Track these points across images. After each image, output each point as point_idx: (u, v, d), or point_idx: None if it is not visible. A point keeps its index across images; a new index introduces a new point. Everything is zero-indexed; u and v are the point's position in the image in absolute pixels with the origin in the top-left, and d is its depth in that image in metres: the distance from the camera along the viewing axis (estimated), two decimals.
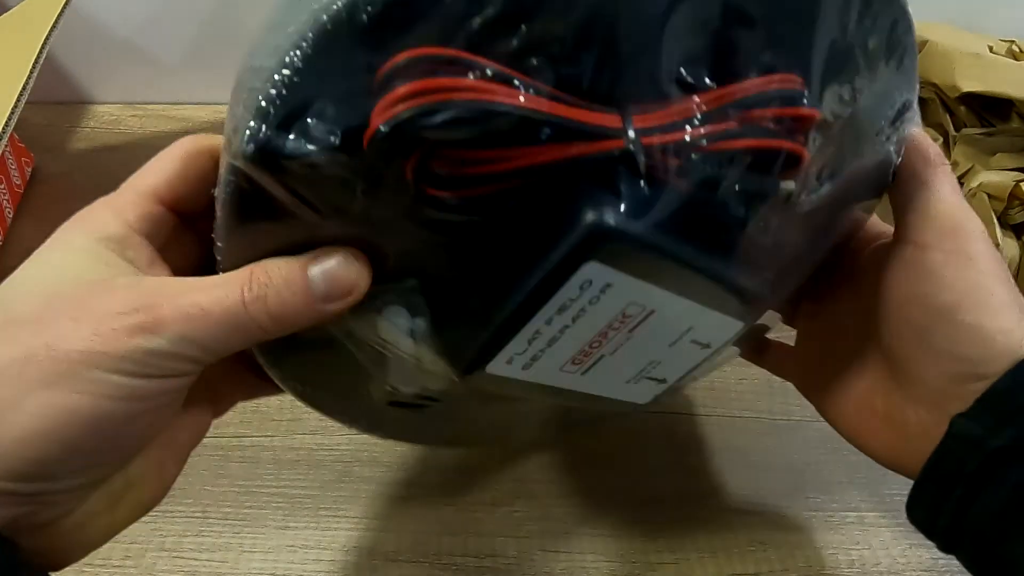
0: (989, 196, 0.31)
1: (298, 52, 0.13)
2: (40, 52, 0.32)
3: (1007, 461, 0.16)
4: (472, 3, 0.12)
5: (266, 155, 0.13)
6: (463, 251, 0.15)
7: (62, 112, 0.47)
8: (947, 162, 0.20)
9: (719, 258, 0.16)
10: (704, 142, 0.14)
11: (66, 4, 0.33)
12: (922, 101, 0.38)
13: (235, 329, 0.15)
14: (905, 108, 0.19)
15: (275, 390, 0.21)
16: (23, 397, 0.14)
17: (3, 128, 0.29)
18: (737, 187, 0.15)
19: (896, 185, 0.20)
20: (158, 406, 0.15)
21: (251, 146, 0.13)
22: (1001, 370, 0.17)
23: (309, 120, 0.13)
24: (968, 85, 0.32)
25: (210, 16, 0.44)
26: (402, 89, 0.12)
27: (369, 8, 0.12)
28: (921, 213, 0.19)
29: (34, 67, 0.32)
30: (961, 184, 0.34)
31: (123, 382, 0.14)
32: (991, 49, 0.35)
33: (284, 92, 0.13)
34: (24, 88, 0.31)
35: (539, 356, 0.17)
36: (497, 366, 0.17)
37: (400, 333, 0.17)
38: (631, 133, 0.13)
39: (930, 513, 0.18)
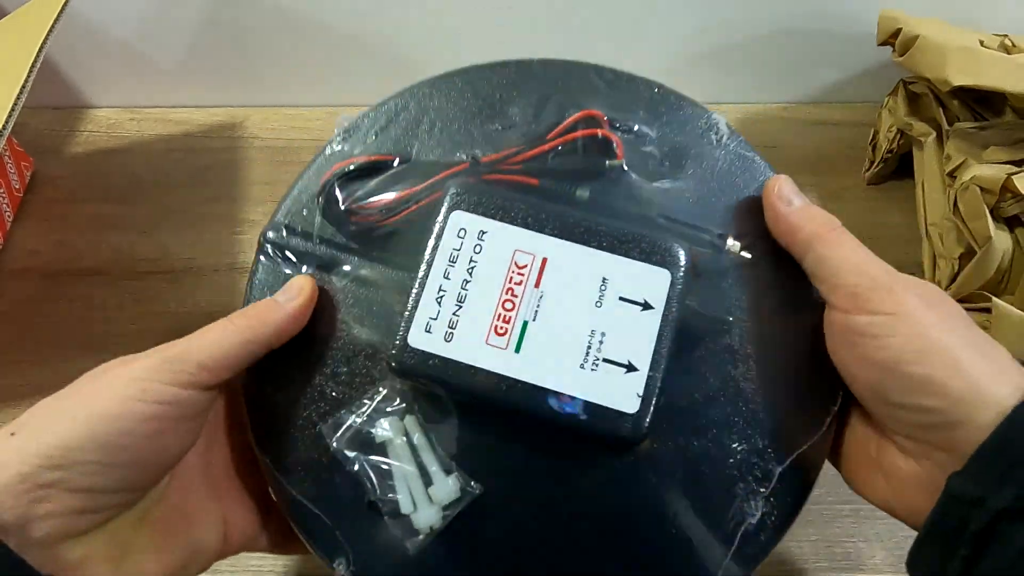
0: (982, 189, 0.31)
1: None
2: (38, 55, 0.32)
3: (1012, 520, 0.16)
4: None
5: None
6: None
7: (61, 116, 0.47)
8: (839, 223, 0.21)
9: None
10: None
11: (64, 7, 0.34)
12: (914, 95, 0.39)
13: (224, 338, 0.20)
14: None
15: (283, 546, 0.23)
16: (65, 402, 0.18)
17: (1, 129, 0.29)
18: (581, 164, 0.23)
19: (797, 251, 0.21)
20: (173, 417, 0.19)
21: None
22: (979, 416, 0.17)
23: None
24: (960, 79, 0.32)
25: (207, 20, 0.44)
26: None
27: None
28: (835, 278, 0.20)
29: (32, 69, 0.32)
30: (953, 178, 0.34)
31: (146, 386, 0.18)
32: (983, 43, 0.35)
33: None
34: (22, 90, 0.31)
35: (455, 323, 0.20)
36: (417, 336, 0.19)
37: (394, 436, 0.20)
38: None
39: (934, 571, 0.18)
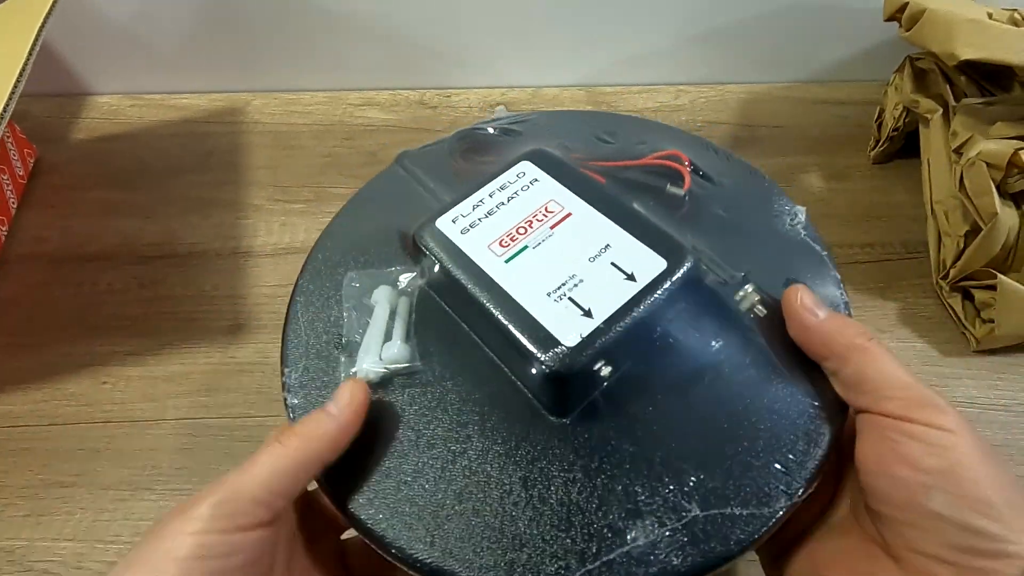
0: (988, 165, 0.31)
1: None
2: (36, 39, 0.32)
3: None
4: None
5: None
6: None
7: (63, 104, 0.47)
8: (871, 333, 0.20)
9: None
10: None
11: None
12: (921, 72, 0.38)
13: (278, 465, 0.18)
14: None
15: None
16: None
17: (1, 113, 0.30)
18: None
19: (833, 363, 0.20)
20: (241, 565, 0.17)
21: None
22: None
23: None
24: (968, 53, 0.32)
25: (207, 5, 0.44)
26: None
27: None
28: (884, 390, 0.19)
29: (31, 54, 0.32)
30: (960, 154, 0.33)
31: (205, 540, 0.17)
32: (991, 16, 0.34)
33: None
34: (21, 75, 0.31)
35: (476, 224, 0.23)
36: (443, 223, 0.24)
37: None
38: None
39: None
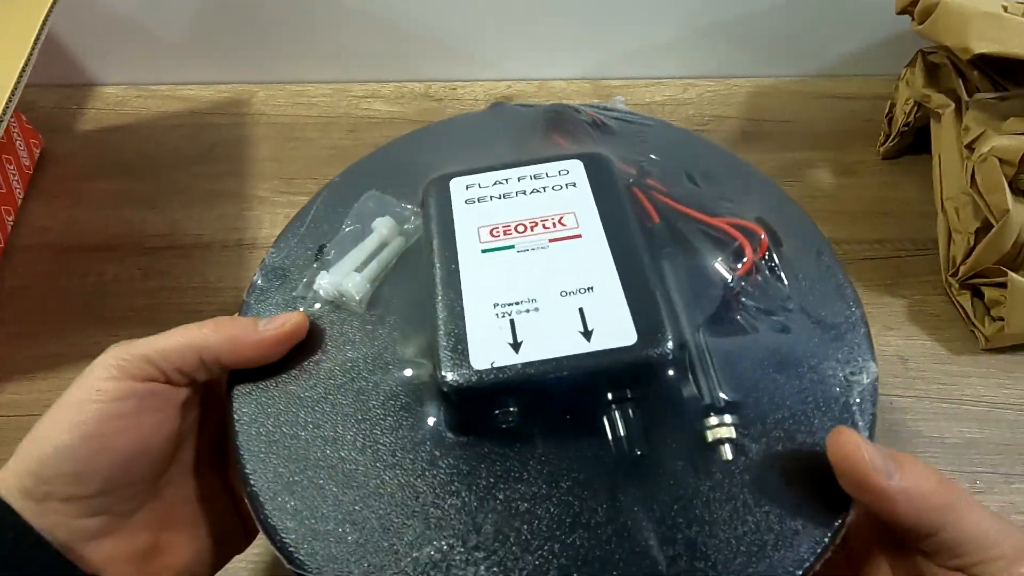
0: (1000, 161, 0.31)
1: None
2: (41, 28, 0.32)
3: None
4: None
5: None
6: None
7: (69, 94, 0.47)
8: (953, 484, 0.17)
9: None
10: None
11: None
12: (933, 66, 0.37)
13: (177, 338, 0.20)
14: None
15: None
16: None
17: (6, 104, 0.30)
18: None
19: (925, 528, 0.17)
20: (134, 411, 0.19)
21: None
22: None
23: None
24: (982, 46, 0.31)
25: None
26: None
27: None
28: (988, 550, 0.17)
29: (36, 43, 0.32)
30: (971, 150, 0.33)
31: (100, 386, 0.19)
32: (1006, 10, 0.34)
33: None
34: (26, 64, 0.31)
35: (485, 200, 0.22)
36: (459, 184, 0.22)
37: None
38: None
39: None
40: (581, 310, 0.19)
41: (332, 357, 0.21)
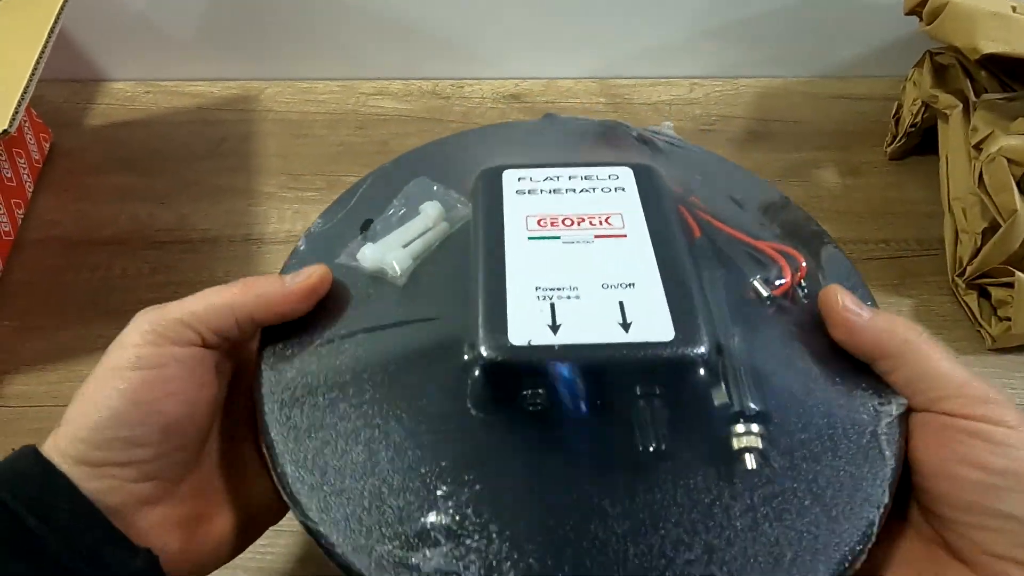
0: (1009, 161, 0.31)
1: None
2: (54, 25, 0.33)
3: None
4: None
5: None
6: None
7: (78, 90, 0.47)
8: (921, 328, 0.19)
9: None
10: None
11: None
12: (941, 67, 0.38)
13: (208, 299, 0.20)
14: None
15: None
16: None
17: (20, 99, 0.30)
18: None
19: (887, 363, 0.19)
20: (175, 376, 0.19)
21: None
22: None
23: None
24: (991, 47, 0.31)
25: None
26: None
27: None
28: (943, 388, 0.18)
29: (48, 39, 0.32)
30: (979, 150, 0.33)
31: (138, 352, 0.19)
32: (1015, 10, 0.34)
33: None
34: (39, 60, 0.31)
35: (535, 193, 0.23)
36: (511, 175, 0.23)
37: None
38: None
39: None
40: (621, 303, 0.19)
41: (363, 323, 0.22)
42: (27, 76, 0.30)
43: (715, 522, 0.18)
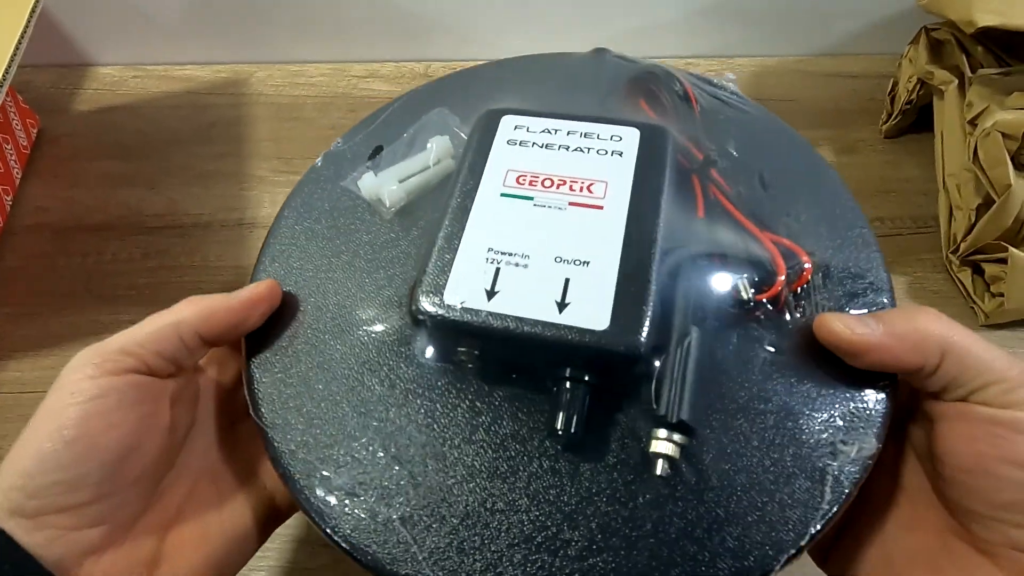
0: (1004, 136, 0.30)
1: None
2: (35, 6, 0.32)
3: None
4: None
5: None
6: None
7: (65, 75, 0.47)
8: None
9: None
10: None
11: None
12: (937, 42, 0.37)
13: (148, 323, 0.20)
14: None
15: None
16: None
17: (5, 71, 0.29)
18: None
19: (930, 364, 0.18)
20: (117, 408, 0.18)
21: None
22: None
23: None
24: (987, 19, 0.31)
25: None
26: None
27: None
28: (985, 375, 0.17)
29: (30, 18, 0.31)
30: (974, 126, 0.33)
31: (77, 387, 0.18)
32: None
33: None
34: (21, 39, 0.31)
35: (527, 145, 0.22)
36: (509, 121, 0.22)
37: None
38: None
39: None
40: (567, 280, 0.18)
41: (351, 251, 0.23)
42: (8, 56, 0.30)
43: (611, 512, 0.18)
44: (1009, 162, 0.30)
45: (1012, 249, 0.31)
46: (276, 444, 0.19)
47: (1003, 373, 0.17)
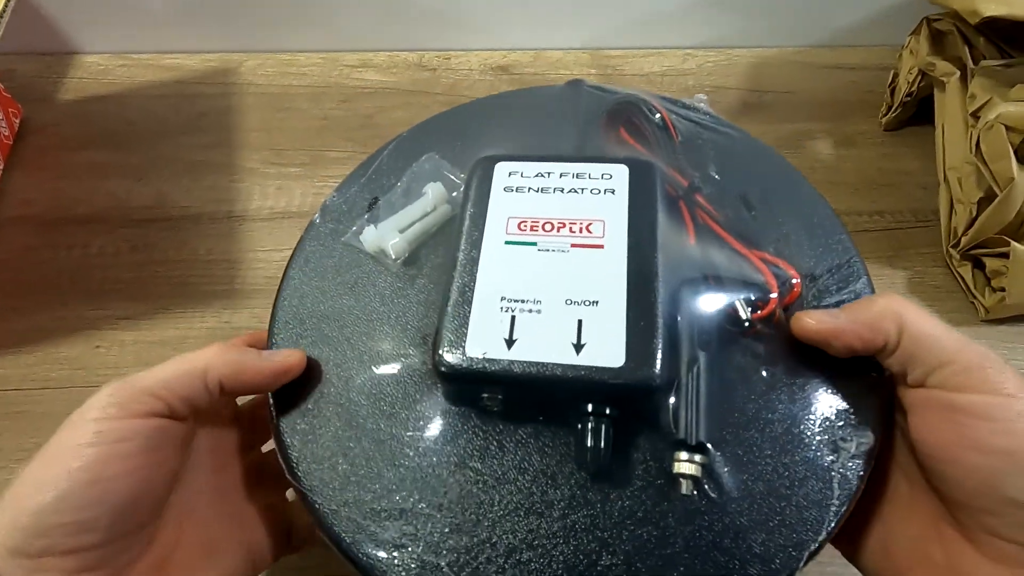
0: (1007, 128, 0.30)
1: None
2: None
3: None
4: None
5: None
6: None
7: (49, 63, 0.45)
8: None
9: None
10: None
11: None
12: (939, 33, 0.37)
13: (177, 368, 0.19)
14: None
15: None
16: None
17: None
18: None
19: (890, 344, 0.18)
20: (138, 452, 0.18)
21: None
22: None
23: None
24: (991, 9, 0.31)
25: None
26: None
27: None
28: (938, 355, 0.18)
29: (7, 2, 0.30)
30: (976, 118, 0.32)
31: (100, 428, 0.17)
32: None
33: None
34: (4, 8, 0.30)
35: (523, 191, 0.22)
36: (503, 168, 0.23)
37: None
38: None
39: None
40: (580, 322, 0.19)
41: (362, 306, 0.23)
42: None
43: (642, 536, 0.18)
44: (1012, 155, 0.30)
45: (1014, 243, 0.31)
46: (318, 506, 0.19)
47: (953, 355, 0.18)
